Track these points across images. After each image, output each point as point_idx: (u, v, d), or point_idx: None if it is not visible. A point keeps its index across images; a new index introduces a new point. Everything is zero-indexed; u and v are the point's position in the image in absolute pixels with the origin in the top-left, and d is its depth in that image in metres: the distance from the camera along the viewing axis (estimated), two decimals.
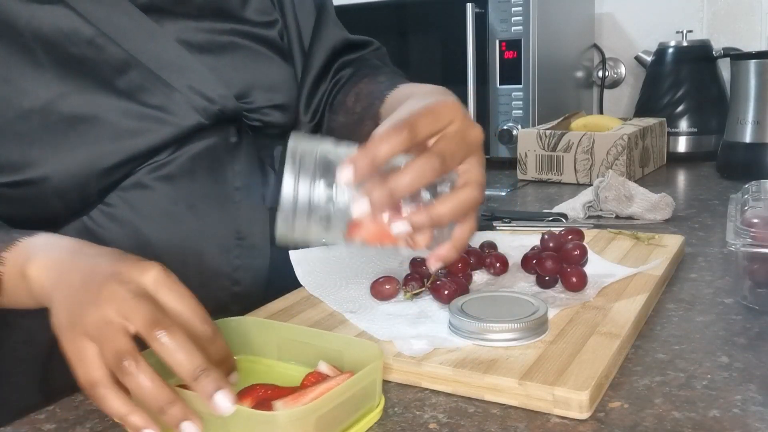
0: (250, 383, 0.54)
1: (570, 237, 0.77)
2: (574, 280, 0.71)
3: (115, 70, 0.70)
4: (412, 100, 0.61)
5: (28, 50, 0.67)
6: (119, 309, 0.48)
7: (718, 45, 1.58)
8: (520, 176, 1.42)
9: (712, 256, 0.87)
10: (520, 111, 1.51)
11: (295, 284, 0.76)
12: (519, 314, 0.62)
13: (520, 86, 1.51)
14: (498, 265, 0.78)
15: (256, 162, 0.81)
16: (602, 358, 0.56)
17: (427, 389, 0.57)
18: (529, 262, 0.76)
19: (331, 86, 0.89)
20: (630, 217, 1.05)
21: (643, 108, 1.62)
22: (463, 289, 0.71)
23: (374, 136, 0.52)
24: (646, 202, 1.05)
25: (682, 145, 1.56)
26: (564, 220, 1.02)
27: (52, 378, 0.71)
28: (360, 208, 0.51)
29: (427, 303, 0.71)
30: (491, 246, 0.82)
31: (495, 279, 0.78)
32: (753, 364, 0.58)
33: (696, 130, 1.55)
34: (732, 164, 1.36)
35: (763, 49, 1.59)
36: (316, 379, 0.53)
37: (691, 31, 1.61)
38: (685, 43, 1.59)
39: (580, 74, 1.77)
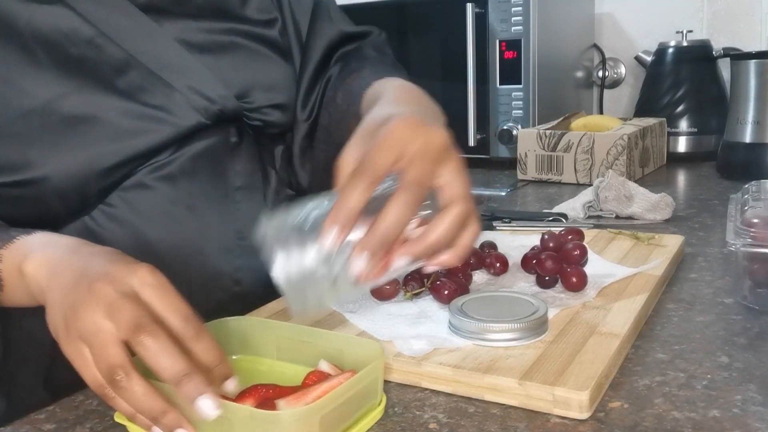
0: (251, 383, 0.54)
1: (570, 237, 0.77)
2: (574, 280, 0.71)
3: (114, 70, 0.70)
4: (372, 114, 0.60)
5: (28, 50, 0.67)
6: (106, 311, 0.48)
7: (718, 45, 1.58)
8: (520, 176, 1.42)
9: (712, 256, 0.87)
10: (520, 111, 1.51)
11: None
12: (519, 314, 0.62)
13: (520, 86, 1.51)
14: (498, 265, 0.78)
15: (257, 162, 0.81)
16: (602, 358, 0.56)
17: (427, 389, 0.57)
18: (529, 262, 0.76)
19: (324, 82, 0.88)
20: (630, 217, 1.05)
21: (643, 108, 1.62)
22: (463, 289, 0.71)
23: (340, 189, 0.52)
24: (646, 202, 1.05)
25: (682, 145, 1.56)
26: (564, 220, 1.02)
27: (56, 377, 0.71)
28: (360, 267, 0.51)
29: (427, 303, 0.71)
30: (491, 246, 0.82)
31: (495, 279, 0.78)
32: (753, 364, 0.58)
33: (696, 130, 1.55)
34: (732, 164, 1.36)
35: (763, 49, 1.59)
36: (317, 378, 0.53)
37: (691, 31, 1.61)
38: (685, 43, 1.59)
39: (580, 74, 1.77)
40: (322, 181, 0.83)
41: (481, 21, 1.51)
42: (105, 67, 0.70)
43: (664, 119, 1.53)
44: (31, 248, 0.58)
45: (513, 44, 1.49)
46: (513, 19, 1.49)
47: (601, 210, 1.06)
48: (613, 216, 1.06)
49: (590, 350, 0.58)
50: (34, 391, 0.72)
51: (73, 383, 0.53)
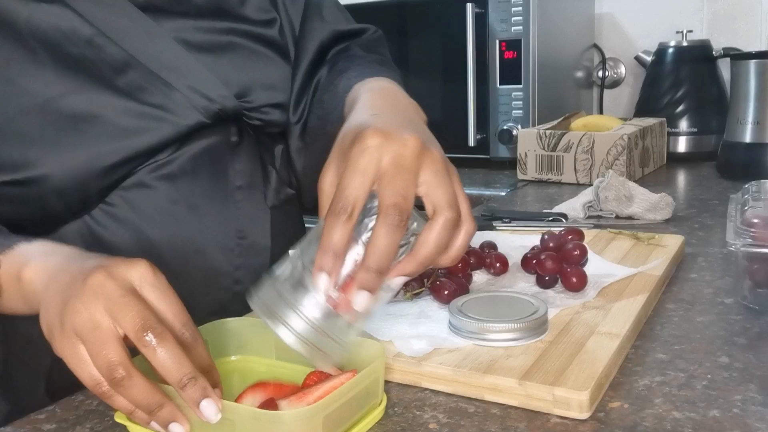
0: (252, 382, 0.54)
1: (570, 237, 0.77)
2: (574, 280, 0.71)
3: (114, 69, 0.70)
4: (345, 126, 0.58)
5: (28, 49, 0.67)
6: (107, 307, 0.48)
7: (718, 45, 1.58)
8: (520, 176, 1.42)
9: (712, 256, 0.87)
10: (520, 111, 1.51)
11: None
12: (519, 314, 0.62)
13: (520, 86, 1.51)
14: (498, 265, 0.78)
15: (257, 161, 0.81)
16: (602, 358, 0.56)
17: (427, 389, 0.57)
18: (529, 262, 0.76)
19: (315, 84, 0.86)
20: (630, 217, 1.05)
21: (643, 108, 1.62)
22: (463, 289, 0.71)
23: (322, 229, 0.50)
24: (646, 202, 1.05)
25: (682, 145, 1.56)
26: (564, 220, 1.02)
27: (57, 379, 0.71)
28: (363, 304, 0.50)
29: (427, 303, 0.71)
30: (491, 246, 0.82)
31: (495, 279, 0.78)
32: (753, 364, 0.58)
33: (696, 130, 1.55)
34: (732, 164, 1.36)
35: (763, 49, 1.59)
36: (318, 378, 0.53)
37: (691, 31, 1.61)
38: (685, 43, 1.59)
39: (580, 74, 1.77)
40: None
41: (481, 21, 1.51)
42: (105, 67, 0.70)
43: (664, 119, 1.53)
44: (31, 255, 0.58)
45: (513, 44, 1.49)
46: (513, 19, 1.49)
47: (601, 210, 1.06)
48: (613, 216, 1.06)
49: (590, 350, 0.58)
50: (35, 394, 0.72)
51: (73, 386, 0.53)
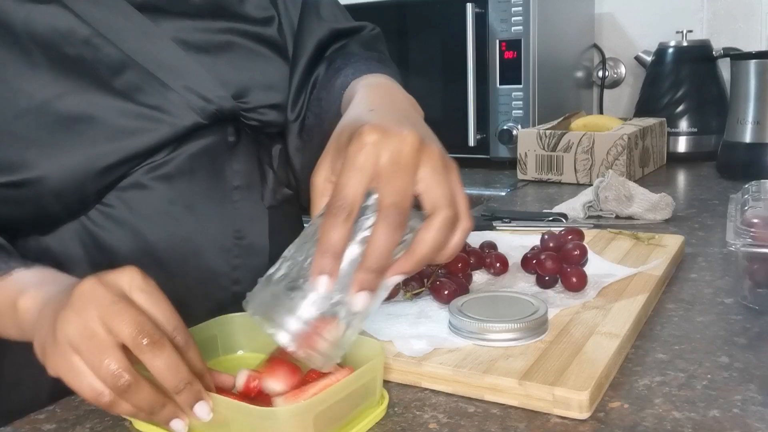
0: None
1: (570, 237, 0.77)
2: (574, 280, 0.71)
3: (111, 70, 0.70)
4: (341, 123, 0.57)
5: (25, 50, 0.67)
6: (100, 315, 0.47)
7: (718, 45, 1.58)
8: (520, 176, 1.42)
9: (712, 256, 0.87)
10: (520, 111, 1.51)
11: None
12: (519, 314, 0.62)
13: (520, 86, 1.51)
14: (498, 265, 0.78)
15: (255, 161, 0.80)
16: (602, 358, 0.56)
17: (427, 389, 0.57)
18: (529, 262, 0.76)
19: (312, 82, 0.86)
20: (630, 217, 1.05)
21: (643, 108, 1.62)
22: (463, 289, 0.71)
23: (320, 230, 0.49)
24: (646, 202, 1.05)
25: (682, 145, 1.56)
26: (564, 220, 1.02)
27: (57, 383, 0.71)
28: (362, 304, 0.50)
29: (427, 303, 0.71)
30: (491, 246, 0.82)
31: (495, 279, 0.78)
32: (753, 364, 0.58)
33: (696, 130, 1.55)
34: (732, 164, 1.36)
35: (763, 49, 1.59)
36: (317, 375, 0.53)
37: (691, 31, 1.61)
38: (685, 43, 1.59)
39: (580, 74, 1.76)
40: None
41: (481, 21, 1.51)
42: (101, 67, 0.69)
43: (664, 119, 1.53)
44: (29, 283, 0.58)
45: (513, 44, 1.49)
46: (513, 19, 1.48)
47: (601, 210, 1.06)
48: (613, 216, 1.06)
49: (590, 350, 0.58)
50: (37, 398, 0.72)
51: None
